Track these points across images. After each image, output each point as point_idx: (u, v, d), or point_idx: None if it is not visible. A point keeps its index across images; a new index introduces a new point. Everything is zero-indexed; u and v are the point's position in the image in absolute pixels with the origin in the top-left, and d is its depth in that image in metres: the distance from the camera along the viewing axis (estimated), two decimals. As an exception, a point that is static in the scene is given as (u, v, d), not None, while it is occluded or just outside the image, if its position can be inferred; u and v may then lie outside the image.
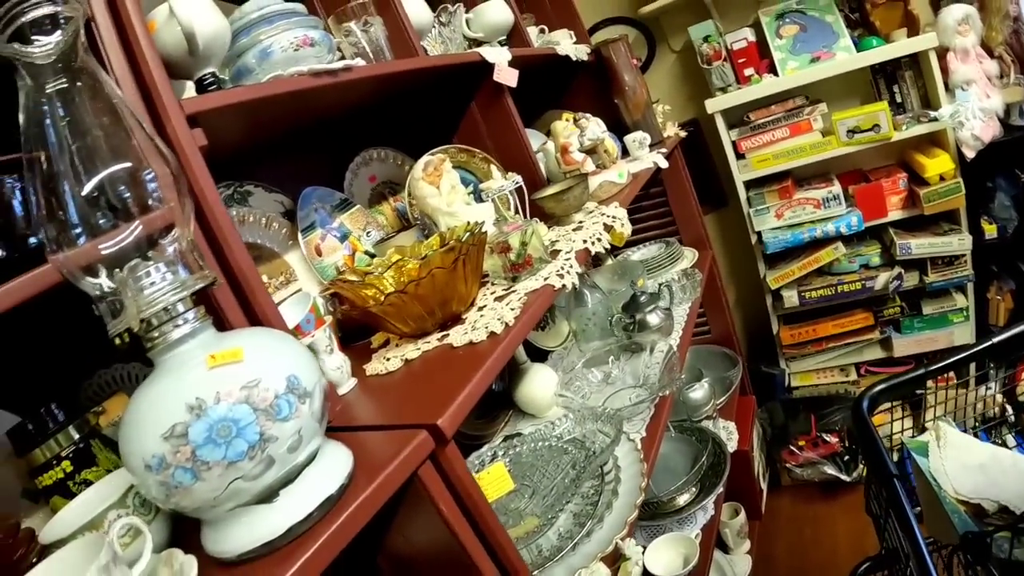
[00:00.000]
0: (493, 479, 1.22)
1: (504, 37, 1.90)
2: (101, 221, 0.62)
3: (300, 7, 1.16)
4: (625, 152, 2.14)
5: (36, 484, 0.84)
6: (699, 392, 2.16)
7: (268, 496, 0.62)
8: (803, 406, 2.65)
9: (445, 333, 1.10)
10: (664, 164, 2.08)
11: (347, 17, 1.27)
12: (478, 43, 1.84)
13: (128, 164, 0.63)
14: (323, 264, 1.36)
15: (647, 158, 2.06)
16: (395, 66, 1.27)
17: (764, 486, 2.57)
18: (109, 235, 0.62)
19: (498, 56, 1.60)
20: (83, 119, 0.62)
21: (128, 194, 0.63)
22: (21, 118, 0.61)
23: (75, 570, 0.58)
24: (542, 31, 2.24)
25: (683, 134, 2.59)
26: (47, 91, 0.61)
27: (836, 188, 2.52)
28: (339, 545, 0.62)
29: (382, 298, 1.06)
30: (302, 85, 1.03)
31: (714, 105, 2.57)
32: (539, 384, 1.53)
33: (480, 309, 1.15)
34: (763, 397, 2.76)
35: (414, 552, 0.88)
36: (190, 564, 0.61)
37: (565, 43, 2.13)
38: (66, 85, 0.62)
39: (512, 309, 1.06)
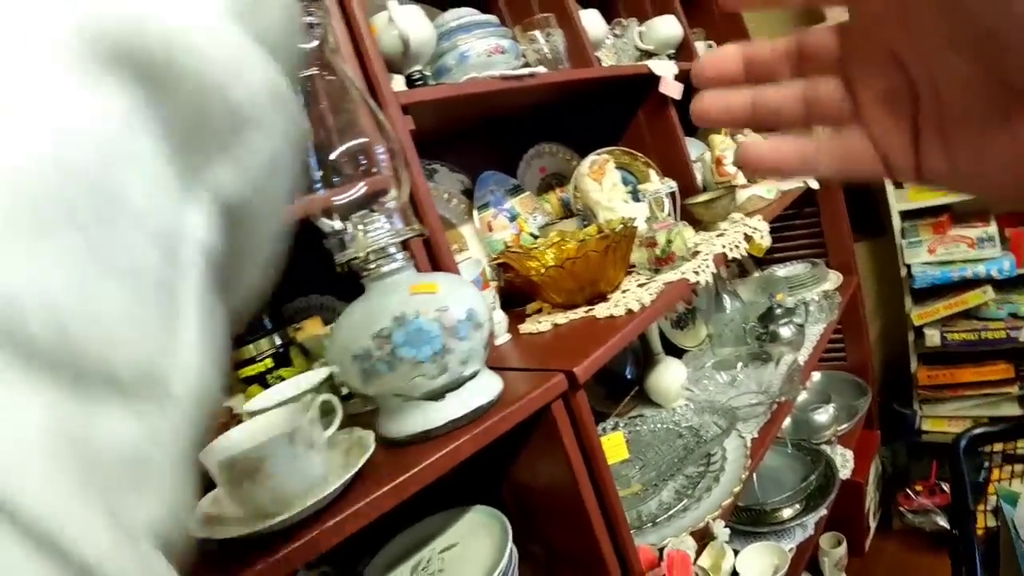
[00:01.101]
0: (611, 445, 1.35)
1: (673, 50, 1.99)
2: (336, 179, 0.83)
3: (493, 18, 1.35)
4: (779, 170, 2.18)
5: (237, 375, 1.01)
6: (823, 415, 2.16)
7: (436, 396, 0.80)
8: (929, 451, 2.56)
9: (591, 307, 1.25)
10: (815, 185, 2.12)
11: (532, 27, 1.43)
12: (648, 55, 1.94)
13: (363, 140, 0.83)
14: (493, 239, 1.52)
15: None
16: (572, 74, 1.43)
17: (873, 524, 2.51)
18: (341, 189, 0.82)
19: (665, 69, 1.71)
20: (328, 103, 0.82)
21: (363, 161, 0.84)
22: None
23: (278, 425, 0.72)
24: (710, 46, 2.32)
25: (842, 158, 2.57)
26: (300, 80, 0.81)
27: (992, 229, 2.41)
28: (481, 443, 0.79)
29: (543, 270, 1.24)
30: (493, 87, 1.22)
31: (878, 131, 2.53)
32: (669, 376, 1.64)
33: (623, 292, 1.30)
34: (890, 435, 2.68)
35: (536, 485, 1.02)
36: (368, 436, 0.78)
37: (732, 60, 2.20)
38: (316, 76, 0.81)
39: (650, 294, 1.21)
